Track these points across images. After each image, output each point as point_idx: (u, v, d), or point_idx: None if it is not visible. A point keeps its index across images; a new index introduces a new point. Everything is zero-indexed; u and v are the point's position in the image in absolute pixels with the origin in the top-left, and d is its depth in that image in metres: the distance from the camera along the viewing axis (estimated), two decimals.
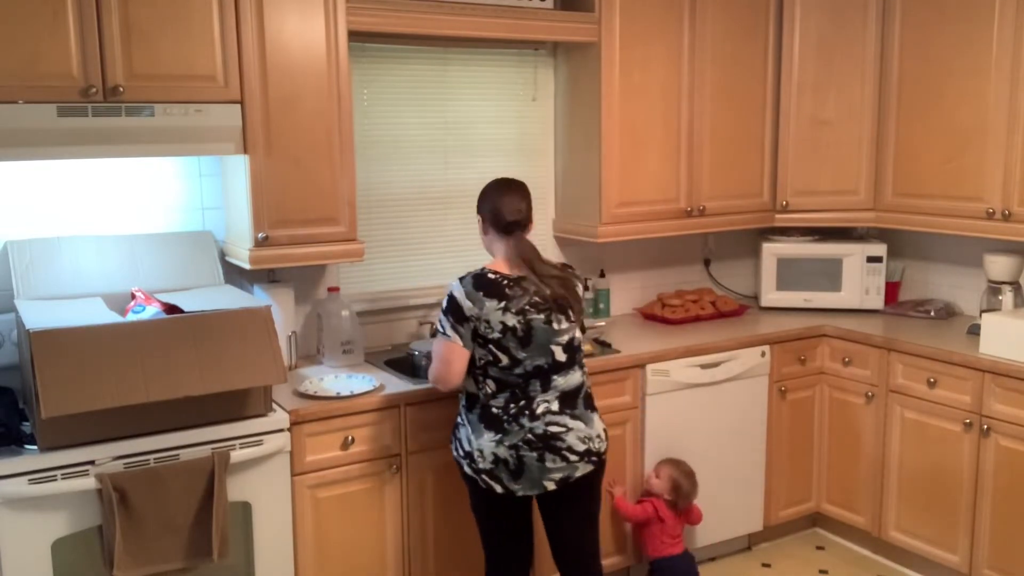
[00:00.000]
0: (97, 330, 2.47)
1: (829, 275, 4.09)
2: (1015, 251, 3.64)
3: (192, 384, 2.52)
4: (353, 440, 2.92)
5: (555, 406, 2.66)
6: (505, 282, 2.65)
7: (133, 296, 2.82)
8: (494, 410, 2.65)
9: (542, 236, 3.96)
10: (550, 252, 3.99)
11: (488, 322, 2.61)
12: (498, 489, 2.67)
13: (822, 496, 3.97)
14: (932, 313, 3.96)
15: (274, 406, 2.81)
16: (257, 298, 3.11)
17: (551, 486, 2.66)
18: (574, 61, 3.74)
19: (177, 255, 3.05)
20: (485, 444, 2.64)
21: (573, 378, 2.70)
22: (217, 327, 2.61)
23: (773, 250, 4.14)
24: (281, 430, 2.76)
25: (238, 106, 2.86)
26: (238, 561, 2.72)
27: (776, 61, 3.97)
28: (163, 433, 2.58)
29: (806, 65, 3.95)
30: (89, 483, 2.46)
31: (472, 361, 2.66)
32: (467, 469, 2.71)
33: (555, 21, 3.48)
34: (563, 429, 2.65)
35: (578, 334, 2.73)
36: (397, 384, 3.10)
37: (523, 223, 2.74)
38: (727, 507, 3.76)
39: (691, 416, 3.61)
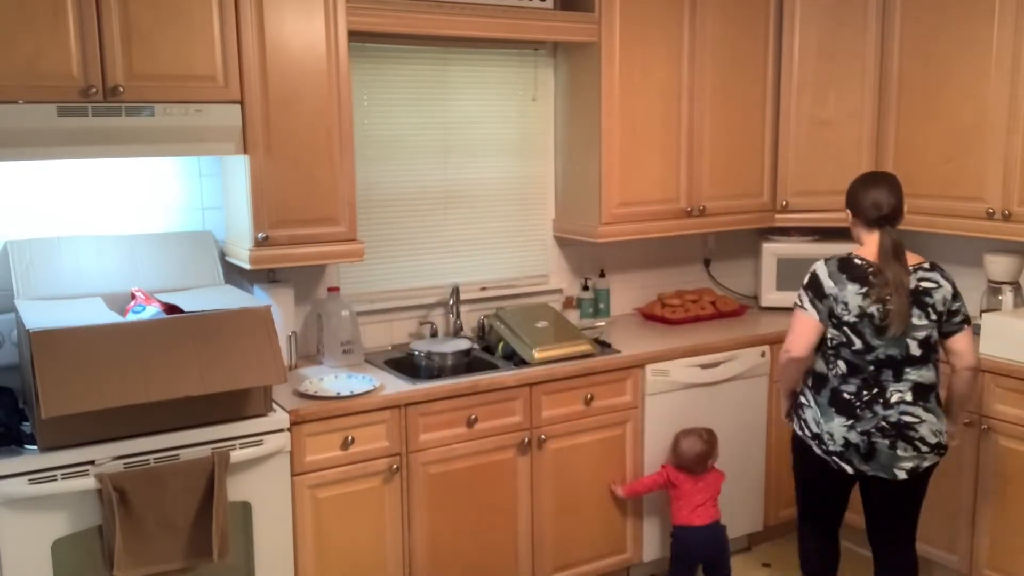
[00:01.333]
0: (97, 330, 2.47)
1: None
2: (1015, 251, 3.64)
3: (192, 384, 2.52)
4: (353, 440, 2.93)
5: (909, 396, 2.75)
6: (870, 269, 2.76)
7: (133, 296, 2.82)
8: (845, 395, 2.78)
9: (542, 236, 3.96)
10: (550, 252, 3.99)
11: (846, 304, 2.75)
12: (848, 470, 2.81)
13: None
14: None
15: (274, 406, 2.81)
16: (257, 298, 3.11)
17: (901, 475, 2.77)
18: (574, 61, 3.74)
19: (177, 255, 3.05)
20: (836, 428, 2.78)
21: (927, 374, 2.78)
22: (217, 327, 2.61)
23: (773, 250, 4.14)
24: (281, 430, 2.76)
25: (238, 106, 2.86)
26: (238, 561, 2.72)
27: (776, 61, 3.97)
28: (163, 433, 2.58)
29: (806, 65, 3.95)
30: (89, 483, 2.46)
31: (824, 341, 2.81)
32: (816, 450, 2.85)
33: (555, 21, 3.48)
34: (917, 420, 2.75)
35: (936, 335, 2.78)
36: (397, 384, 3.10)
37: (890, 217, 2.80)
38: (727, 507, 3.76)
39: (691, 416, 3.61)
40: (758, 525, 3.87)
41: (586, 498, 3.42)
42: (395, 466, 3.02)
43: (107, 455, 2.50)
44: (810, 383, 2.88)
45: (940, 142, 3.68)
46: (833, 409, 2.79)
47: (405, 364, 3.39)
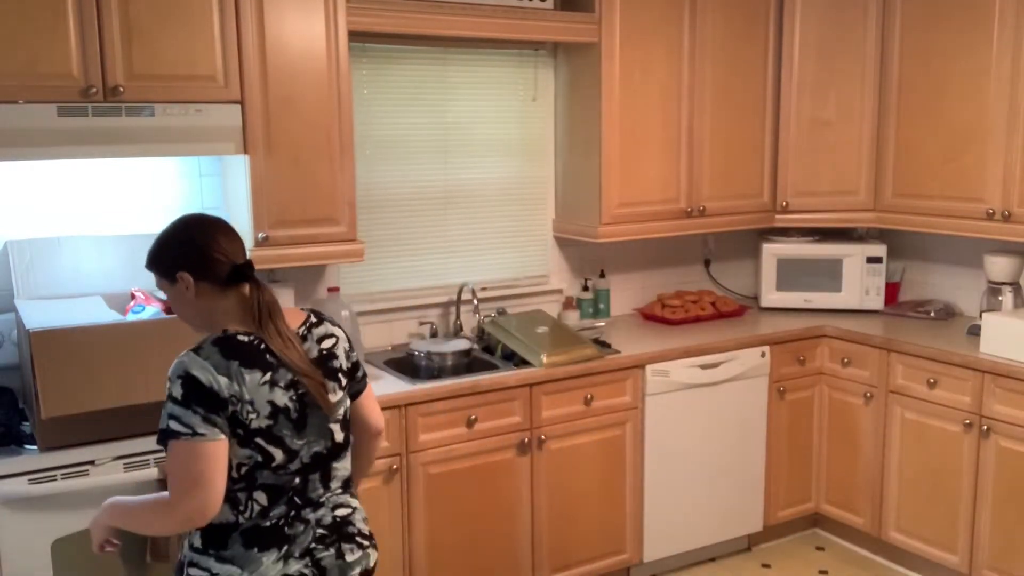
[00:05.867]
0: (97, 330, 2.47)
1: (829, 275, 4.09)
2: (1015, 251, 3.64)
3: None
4: None
5: (341, 488, 2.02)
6: (260, 344, 1.86)
7: (133, 296, 2.82)
8: (265, 524, 1.87)
9: (542, 236, 3.96)
10: (550, 252, 3.99)
11: (252, 404, 1.81)
12: None
13: (822, 496, 3.97)
14: (932, 314, 3.96)
15: None
16: None
17: None
18: (574, 61, 3.74)
19: None
20: (269, 571, 1.85)
21: (349, 460, 2.04)
22: None
23: (773, 250, 4.14)
24: None
25: (238, 106, 2.86)
26: None
27: (776, 61, 3.97)
28: None
29: (806, 65, 3.95)
30: (89, 483, 2.46)
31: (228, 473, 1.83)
32: None
33: (555, 21, 3.48)
34: (350, 510, 2.01)
35: (347, 401, 2.04)
36: (397, 384, 3.10)
37: (251, 265, 1.94)
38: (727, 507, 3.76)
39: (691, 416, 3.61)
40: (758, 525, 3.87)
41: (586, 498, 3.42)
42: (395, 466, 3.01)
43: (107, 455, 2.50)
44: (199, 544, 1.87)
45: (940, 142, 3.68)
46: (255, 549, 1.85)
47: (405, 364, 3.39)
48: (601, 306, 4.06)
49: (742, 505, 3.80)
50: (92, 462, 2.48)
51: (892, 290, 4.18)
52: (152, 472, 2.53)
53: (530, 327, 3.48)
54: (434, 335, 3.67)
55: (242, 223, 3.02)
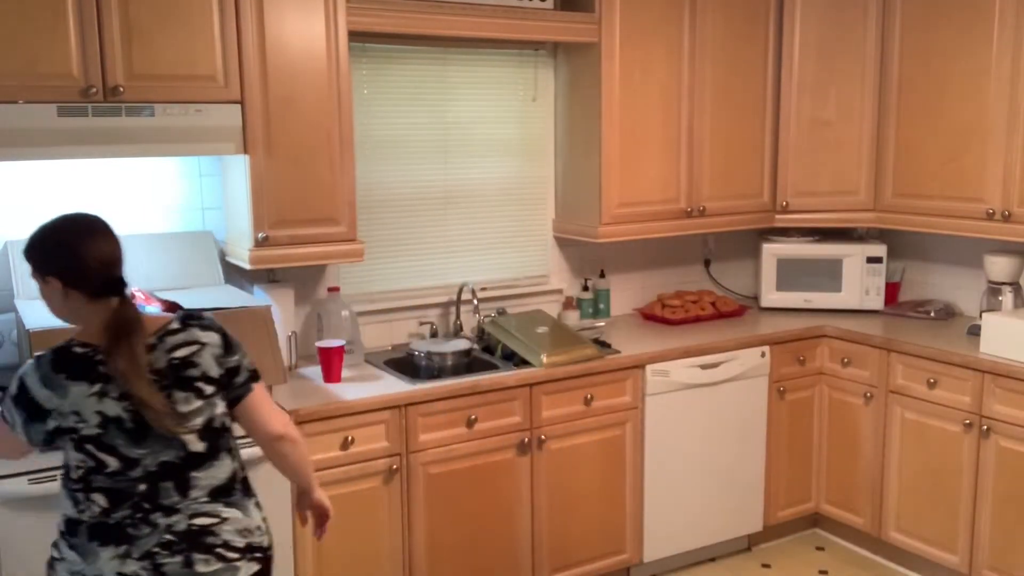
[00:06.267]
0: None
1: (829, 275, 4.09)
2: (1015, 252, 3.64)
3: None
4: (353, 440, 2.92)
5: (207, 497, 1.99)
6: (97, 356, 1.91)
7: (133, 296, 2.82)
8: (109, 522, 1.92)
9: (542, 236, 3.96)
10: (550, 252, 3.99)
11: (79, 414, 1.88)
12: None
13: (822, 497, 3.97)
14: (932, 314, 3.96)
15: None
16: (257, 298, 3.11)
17: None
18: (574, 61, 3.74)
19: (177, 255, 3.05)
20: (105, 567, 1.89)
21: (222, 471, 2.01)
22: None
23: (773, 250, 4.14)
24: None
25: (238, 106, 2.86)
26: None
27: (776, 61, 3.97)
28: None
29: (806, 65, 3.95)
30: None
31: (66, 472, 1.95)
32: None
33: (555, 21, 3.48)
34: (216, 520, 1.98)
35: (220, 409, 2.00)
36: (397, 384, 3.10)
37: (122, 280, 1.97)
38: (727, 507, 3.76)
39: (691, 416, 3.61)
40: (758, 525, 3.87)
41: (586, 498, 3.42)
42: (395, 466, 3.01)
43: None
44: (64, 527, 1.98)
45: (940, 142, 3.68)
46: (96, 543, 1.91)
47: (405, 364, 3.39)
48: (601, 306, 4.06)
49: (742, 505, 3.80)
50: None
51: (892, 290, 4.18)
52: None
53: (530, 327, 3.48)
54: (434, 335, 3.67)
55: (242, 223, 3.02)
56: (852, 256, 4.06)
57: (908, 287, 4.26)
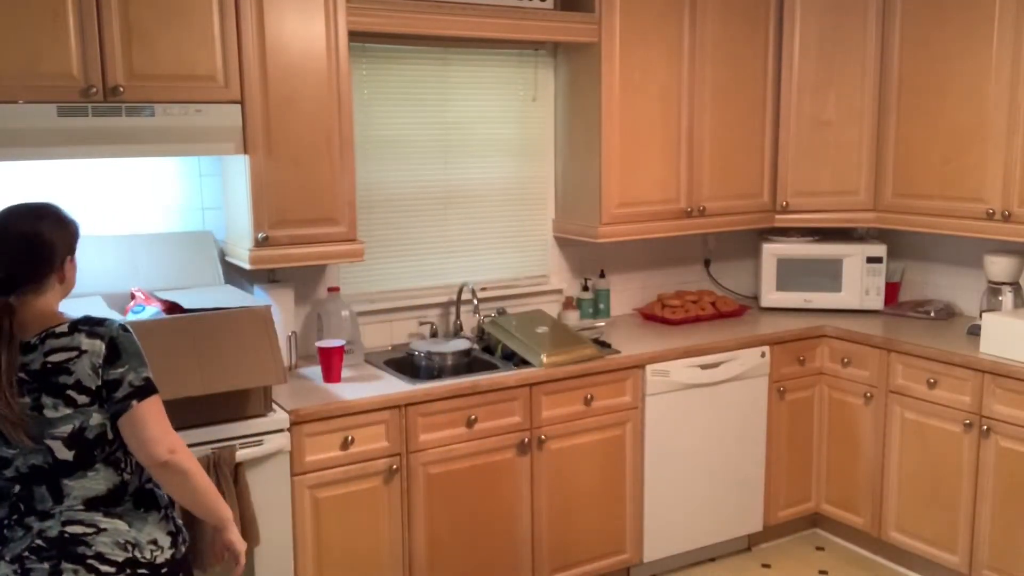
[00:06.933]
0: None
1: (829, 275, 4.09)
2: (1015, 251, 3.64)
3: (192, 384, 2.52)
4: (353, 440, 2.92)
5: (82, 505, 1.93)
6: None
7: (133, 296, 2.82)
8: None
9: (542, 236, 3.96)
10: (550, 252, 3.99)
11: None
12: None
13: (822, 497, 3.97)
14: (932, 313, 3.96)
15: (274, 406, 2.81)
16: (257, 298, 3.11)
17: None
18: (574, 61, 3.74)
19: (177, 255, 3.04)
20: None
21: (99, 483, 1.93)
22: (217, 327, 2.61)
23: (773, 250, 4.14)
24: (281, 430, 2.76)
25: (238, 106, 2.86)
26: None
27: (776, 61, 3.97)
28: None
29: (806, 65, 3.95)
30: None
31: None
32: None
33: (555, 21, 3.48)
34: (92, 530, 1.91)
35: (96, 420, 1.90)
36: (397, 384, 3.10)
37: (7, 284, 1.93)
38: (727, 507, 3.76)
39: (691, 416, 3.61)
40: (758, 525, 3.87)
41: (586, 498, 3.42)
42: (395, 466, 3.01)
43: None
44: None
45: (940, 142, 3.68)
46: None
47: (405, 364, 3.39)
48: (601, 306, 4.06)
49: (742, 505, 3.80)
50: None
51: (892, 290, 4.18)
52: None
53: (530, 327, 3.48)
54: (434, 335, 3.67)
55: (242, 223, 3.02)
56: (852, 256, 4.06)
57: (908, 287, 4.26)
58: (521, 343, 3.37)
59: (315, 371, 3.20)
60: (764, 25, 3.92)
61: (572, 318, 3.92)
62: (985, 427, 3.32)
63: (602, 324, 3.92)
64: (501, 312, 3.77)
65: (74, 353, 1.90)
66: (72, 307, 2.65)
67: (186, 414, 2.59)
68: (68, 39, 2.58)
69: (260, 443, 2.71)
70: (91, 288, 2.85)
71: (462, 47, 3.64)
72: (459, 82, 3.67)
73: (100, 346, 1.91)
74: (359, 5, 3.07)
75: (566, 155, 3.86)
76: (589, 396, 3.36)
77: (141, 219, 3.11)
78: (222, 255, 3.19)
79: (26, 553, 1.88)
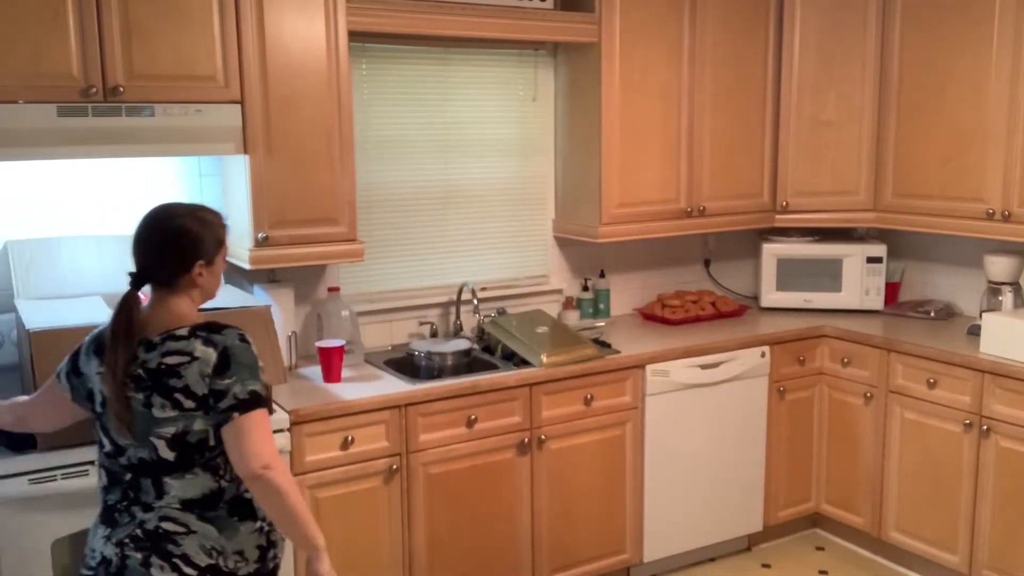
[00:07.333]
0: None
1: (829, 276, 4.09)
2: (1015, 251, 3.64)
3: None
4: (353, 440, 2.92)
5: (179, 505, 1.97)
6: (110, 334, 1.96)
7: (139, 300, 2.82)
8: (109, 501, 2.02)
9: (542, 236, 3.96)
10: (550, 252, 3.99)
11: (98, 391, 1.99)
12: None
13: (821, 497, 3.97)
14: (932, 313, 3.96)
15: (274, 406, 2.81)
16: (257, 298, 3.11)
17: None
18: (574, 61, 3.74)
19: None
20: (97, 541, 2.00)
21: (196, 485, 1.97)
22: None
23: (773, 250, 4.14)
24: (281, 430, 2.75)
25: (238, 106, 2.86)
26: None
27: (776, 61, 3.97)
28: None
29: (806, 65, 3.95)
30: (89, 483, 2.46)
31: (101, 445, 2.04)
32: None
33: (555, 21, 3.48)
34: (183, 530, 1.95)
35: (199, 426, 1.94)
36: (397, 384, 3.10)
37: (141, 276, 2.03)
38: (727, 507, 3.76)
39: (691, 416, 3.61)
40: (758, 525, 3.87)
41: (586, 498, 3.42)
42: (395, 466, 3.01)
43: None
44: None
45: (940, 142, 3.68)
46: (100, 518, 2.03)
47: (405, 364, 3.39)
48: (601, 306, 4.06)
49: (742, 505, 3.80)
50: (92, 462, 2.48)
51: (892, 290, 4.18)
52: None
53: (530, 327, 3.48)
54: (434, 335, 3.67)
55: (242, 223, 3.02)
56: (852, 256, 4.06)
57: (908, 287, 4.26)
58: (521, 343, 3.37)
59: (315, 371, 3.20)
60: (764, 25, 3.92)
61: (572, 318, 3.92)
62: (985, 427, 3.32)
63: (602, 324, 3.92)
64: (501, 312, 3.77)
65: (187, 358, 1.93)
66: (72, 307, 2.66)
67: None
68: (68, 39, 2.58)
69: None
70: (91, 288, 2.85)
71: (462, 47, 3.64)
72: (459, 82, 3.67)
73: (212, 355, 1.94)
74: (359, 5, 3.07)
75: (566, 155, 3.86)
76: (589, 396, 3.36)
77: None
78: None
79: (127, 540, 1.95)
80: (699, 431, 3.64)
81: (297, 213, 3.02)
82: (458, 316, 3.70)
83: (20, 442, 2.46)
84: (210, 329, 1.98)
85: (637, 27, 3.61)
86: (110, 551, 1.96)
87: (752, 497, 3.83)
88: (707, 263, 4.41)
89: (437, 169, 3.68)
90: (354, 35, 3.11)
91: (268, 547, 2.07)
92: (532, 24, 3.43)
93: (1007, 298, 3.64)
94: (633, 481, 3.52)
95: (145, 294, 2.02)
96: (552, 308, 3.96)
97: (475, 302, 3.59)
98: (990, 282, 3.70)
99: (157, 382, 1.93)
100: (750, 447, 3.78)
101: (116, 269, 2.91)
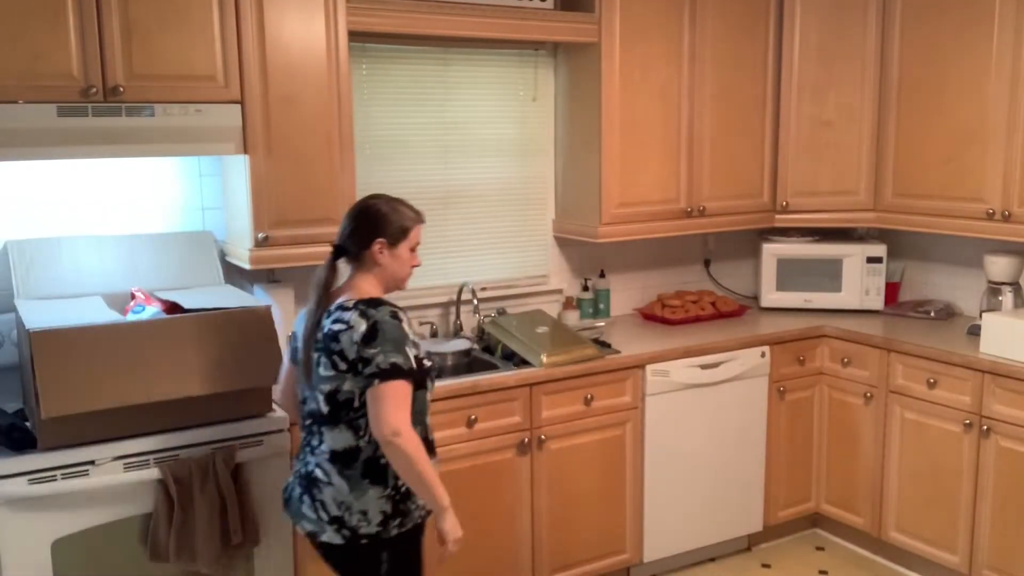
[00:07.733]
0: (97, 330, 2.47)
1: (829, 275, 4.09)
2: (1015, 251, 3.64)
3: (192, 384, 2.52)
4: None
5: (328, 455, 2.27)
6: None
7: (133, 296, 2.82)
8: (302, 440, 2.39)
9: (542, 236, 3.96)
10: (550, 252, 3.99)
11: (296, 346, 2.40)
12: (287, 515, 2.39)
13: (822, 497, 3.97)
14: (932, 313, 3.96)
15: (274, 406, 2.81)
16: (257, 298, 3.11)
17: (301, 531, 2.35)
18: (574, 61, 3.74)
19: (177, 255, 3.04)
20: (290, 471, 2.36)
21: (340, 438, 2.25)
22: (217, 327, 2.61)
23: (773, 250, 4.14)
24: (281, 430, 2.75)
25: (238, 106, 2.86)
26: (238, 561, 2.72)
27: (776, 61, 3.97)
28: (163, 433, 2.57)
29: (806, 65, 3.95)
30: (89, 483, 2.46)
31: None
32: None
33: (555, 21, 3.48)
34: (325, 480, 2.26)
35: (348, 386, 2.22)
36: None
37: (338, 248, 2.37)
38: (727, 507, 3.76)
39: (691, 416, 3.61)
40: (758, 525, 3.87)
41: (586, 498, 3.42)
42: None
43: (107, 455, 2.50)
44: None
45: (940, 142, 3.68)
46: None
47: None
48: (601, 306, 4.06)
49: (742, 505, 3.80)
50: (92, 462, 2.48)
51: (892, 290, 4.18)
52: (153, 472, 2.53)
53: (530, 327, 3.48)
54: (434, 335, 3.67)
55: (242, 223, 3.02)
56: (852, 256, 4.06)
57: (908, 287, 4.26)
58: (521, 343, 3.37)
59: None
60: (764, 25, 3.92)
61: (572, 318, 3.92)
62: (985, 427, 3.32)
63: (602, 324, 3.92)
64: (501, 312, 3.77)
65: (345, 326, 2.21)
66: (72, 307, 2.66)
67: (186, 414, 2.60)
68: (68, 39, 2.58)
69: (260, 443, 2.71)
70: (91, 288, 2.85)
71: (462, 47, 3.64)
72: (459, 82, 3.67)
73: (363, 325, 2.20)
74: (359, 5, 3.07)
75: (566, 155, 3.86)
76: (589, 396, 3.36)
77: (141, 219, 3.10)
78: (222, 255, 3.19)
79: (300, 475, 2.31)
80: (699, 431, 3.64)
81: (297, 213, 3.02)
82: (458, 316, 3.70)
83: (20, 442, 2.46)
84: (368, 304, 2.24)
85: (637, 27, 3.61)
86: (291, 480, 2.36)
87: (752, 497, 3.83)
88: (707, 263, 4.41)
89: (437, 169, 3.68)
90: (354, 35, 3.11)
91: (393, 515, 2.27)
92: (532, 24, 3.43)
93: (1007, 298, 3.64)
94: (633, 481, 3.52)
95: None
96: (552, 308, 3.96)
97: (475, 302, 3.59)
98: (990, 282, 3.70)
99: (326, 344, 2.23)
100: (750, 447, 3.78)
101: (116, 269, 2.93)
